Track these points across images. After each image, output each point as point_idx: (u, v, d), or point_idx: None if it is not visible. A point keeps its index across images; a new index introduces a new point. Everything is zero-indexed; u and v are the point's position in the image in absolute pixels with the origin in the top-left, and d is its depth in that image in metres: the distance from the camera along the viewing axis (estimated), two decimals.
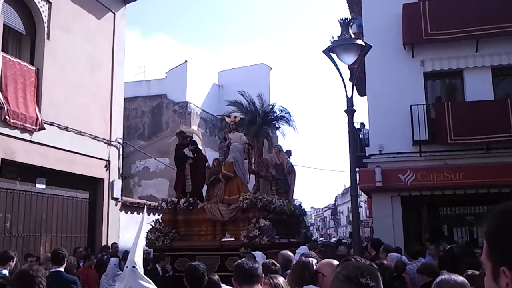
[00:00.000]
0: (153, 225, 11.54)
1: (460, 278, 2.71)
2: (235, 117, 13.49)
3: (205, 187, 12.45)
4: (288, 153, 14.93)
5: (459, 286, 2.61)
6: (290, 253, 7.11)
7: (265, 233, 10.16)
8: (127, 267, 4.66)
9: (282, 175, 14.00)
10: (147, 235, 11.28)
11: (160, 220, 11.72)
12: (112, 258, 9.40)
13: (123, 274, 4.76)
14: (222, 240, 10.70)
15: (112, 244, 13.70)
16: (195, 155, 12.23)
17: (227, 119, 13.59)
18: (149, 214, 16.11)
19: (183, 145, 12.34)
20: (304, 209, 15.81)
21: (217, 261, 10.22)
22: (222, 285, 5.04)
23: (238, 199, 11.02)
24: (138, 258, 4.79)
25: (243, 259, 3.79)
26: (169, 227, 11.25)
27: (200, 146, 12.75)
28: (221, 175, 11.68)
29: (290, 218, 13.08)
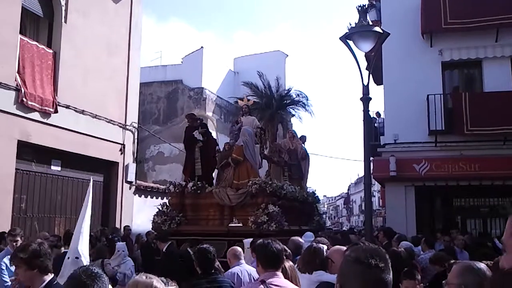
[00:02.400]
0: (160, 208, 11.35)
1: (482, 265, 2.68)
2: (248, 100, 13.19)
3: (215, 171, 12.30)
4: (303, 138, 14.77)
5: (482, 273, 2.58)
6: (301, 240, 7.18)
7: (274, 220, 9.95)
8: (68, 258, 4.18)
9: (295, 161, 13.77)
10: (153, 218, 11.22)
11: (167, 204, 11.51)
12: (119, 243, 9.18)
13: (64, 267, 4.18)
14: (230, 225, 10.51)
15: (124, 227, 13.83)
16: (205, 138, 11.97)
17: (239, 102, 13.32)
18: (152, 198, 16.14)
19: (193, 127, 12.05)
20: (317, 196, 15.56)
21: (224, 246, 9.88)
22: None
23: (247, 183, 10.76)
24: (82, 247, 4.24)
25: (266, 241, 3.73)
26: (176, 211, 11.08)
27: (213, 132, 12.63)
28: (230, 159, 11.45)
29: (302, 205, 12.84)
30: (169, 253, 8.36)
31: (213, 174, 12.28)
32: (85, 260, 3.91)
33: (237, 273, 5.53)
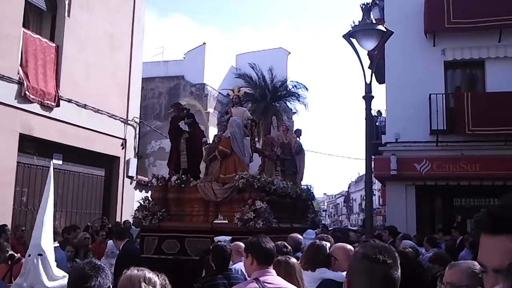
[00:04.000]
0: (142, 202, 10.54)
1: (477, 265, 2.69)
2: (239, 90, 12.36)
3: (203, 165, 11.51)
4: (298, 132, 14.21)
5: (477, 272, 2.59)
6: (300, 236, 7.15)
7: (261, 216, 9.23)
8: (29, 255, 3.70)
9: (289, 156, 13.10)
10: (134, 213, 10.56)
11: (149, 198, 10.69)
12: (110, 241, 8.78)
13: (24, 266, 3.76)
14: (214, 222, 9.81)
15: (124, 221, 13.84)
16: (192, 129, 11.21)
17: (230, 92, 12.52)
18: (136, 189, 15.99)
19: (179, 118, 11.28)
20: (312, 193, 14.76)
21: (208, 244, 8.88)
22: None
23: (234, 178, 9.98)
24: (46, 243, 3.76)
25: (260, 238, 3.74)
26: (158, 205, 10.27)
27: (214, 129, 12.33)
28: (216, 151, 10.66)
29: (295, 202, 12.11)
30: (125, 251, 7.87)
31: (200, 168, 11.49)
32: (50, 256, 3.54)
33: (241, 269, 5.54)
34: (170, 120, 11.62)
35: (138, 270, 3.03)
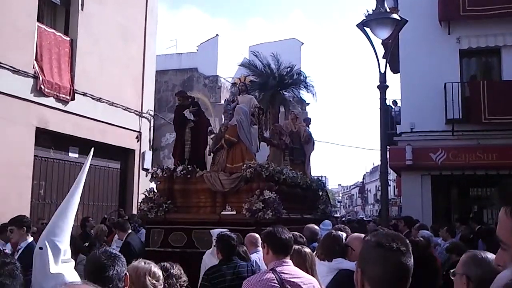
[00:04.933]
0: (147, 194, 10.26)
1: (490, 255, 2.67)
2: (245, 77, 11.93)
3: (210, 155, 11.20)
4: (307, 121, 13.93)
5: (486, 263, 2.57)
6: (317, 227, 7.13)
7: (270, 207, 8.92)
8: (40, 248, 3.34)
9: (298, 145, 12.67)
10: (140, 206, 10.39)
11: (154, 189, 10.42)
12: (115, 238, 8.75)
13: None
14: (222, 213, 9.48)
15: (131, 215, 13.91)
16: (197, 118, 10.89)
17: (236, 80, 11.99)
18: (151, 181, 15.87)
19: (184, 106, 11.00)
20: (324, 182, 14.34)
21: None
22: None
23: (241, 167, 9.64)
24: (52, 235, 3.35)
25: (276, 228, 3.75)
26: (164, 197, 9.96)
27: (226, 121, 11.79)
28: (223, 140, 10.28)
29: (305, 192, 11.80)
30: (127, 244, 7.74)
31: (206, 157, 11.15)
32: (54, 251, 3.19)
33: (256, 260, 5.58)
34: (175, 109, 11.41)
35: (145, 263, 3.11)
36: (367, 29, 7.98)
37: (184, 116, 10.81)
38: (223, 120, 11.21)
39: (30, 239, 6.33)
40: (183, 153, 10.69)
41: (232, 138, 10.07)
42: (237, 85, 11.60)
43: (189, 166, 10.03)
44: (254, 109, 10.88)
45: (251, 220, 8.80)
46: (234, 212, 9.35)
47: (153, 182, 10.82)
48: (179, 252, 9.04)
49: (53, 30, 12.49)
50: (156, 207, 9.75)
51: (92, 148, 4.19)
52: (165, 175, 10.08)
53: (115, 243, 8.47)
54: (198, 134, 10.82)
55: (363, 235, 3.90)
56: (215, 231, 6.62)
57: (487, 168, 13.86)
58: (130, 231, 8.25)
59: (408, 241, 2.01)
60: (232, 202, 9.59)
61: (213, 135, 11.01)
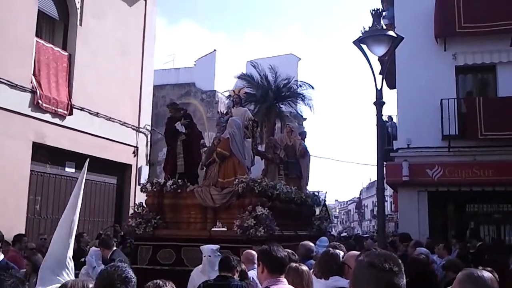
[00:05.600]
0: (135, 209, 9.89)
1: (487, 274, 2.67)
2: (239, 90, 11.64)
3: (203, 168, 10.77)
4: (302, 135, 13.70)
5: (482, 281, 2.58)
6: (312, 244, 6.95)
7: (262, 224, 8.57)
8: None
9: (293, 159, 12.33)
10: (128, 221, 9.99)
11: (143, 204, 9.98)
12: (93, 248, 8.27)
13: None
14: (212, 229, 9.12)
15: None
16: (189, 130, 10.56)
17: (230, 92, 11.72)
18: None
19: (175, 118, 10.68)
20: (319, 197, 13.97)
21: None
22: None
23: (233, 182, 9.27)
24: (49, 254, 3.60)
25: (271, 246, 3.74)
26: (153, 212, 9.57)
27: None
28: (215, 153, 9.91)
29: (299, 208, 11.42)
30: (112, 262, 7.58)
31: (198, 171, 10.75)
32: (47, 269, 3.38)
33: (253, 277, 5.56)
34: (166, 121, 11.07)
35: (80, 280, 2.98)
36: (364, 46, 8.04)
37: (175, 129, 10.51)
38: (216, 133, 10.98)
39: (1, 256, 6.18)
40: (175, 166, 10.38)
41: (224, 151, 9.75)
42: (232, 98, 11.28)
43: (179, 180, 9.70)
44: (248, 122, 10.60)
45: (243, 237, 8.53)
46: (225, 229, 9.04)
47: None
48: (167, 270, 8.68)
49: (51, 45, 12.55)
50: (145, 223, 9.40)
51: (87, 159, 4.21)
52: (155, 189, 9.73)
53: (95, 255, 8.07)
54: (190, 147, 10.52)
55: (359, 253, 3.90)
56: (206, 248, 6.54)
57: (483, 185, 13.86)
58: (114, 248, 8.03)
59: (400, 261, 2.02)
60: (223, 218, 9.28)
61: (206, 148, 10.76)
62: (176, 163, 10.38)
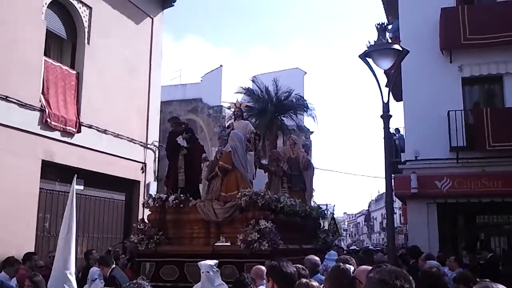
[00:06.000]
0: (137, 225, 9.80)
1: (501, 287, 2.66)
2: (240, 103, 11.50)
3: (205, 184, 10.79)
4: (306, 147, 13.63)
5: None
6: (317, 258, 6.82)
7: (266, 237, 8.41)
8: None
9: (296, 171, 12.18)
10: (130, 237, 9.87)
11: (146, 220, 9.93)
12: (93, 268, 8.32)
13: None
14: (216, 244, 8.95)
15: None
16: (190, 144, 10.47)
17: (231, 105, 11.56)
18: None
19: (177, 133, 10.57)
20: (324, 210, 13.78)
21: None
22: None
23: (236, 195, 9.14)
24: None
25: (280, 262, 3.74)
26: (155, 228, 9.46)
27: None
28: (217, 167, 9.77)
29: (304, 221, 11.25)
30: (112, 279, 7.41)
31: (200, 186, 10.79)
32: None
33: None
34: (167, 135, 10.95)
35: None
36: (369, 60, 8.07)
37: (177, 143, 10.38)
38: (218, 146, 10.83)
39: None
40: (176, 181, 10.25)
41: (226, 165, 9.61)
42: (233, 111, 11.15)
43: (181, 195, 9.59)
44: (250, 134, 10.40)
45: (246, 252, 8.39)
46: (229, 243, 8.89)
47: None
48: (170, 286, 8.72)
49: (59, 64, 12.69)
50: (147, 239, 9.28)
51: (75, 175, 4.23)
52: (157, 204, 9.63)
53: (97, 276, 7.93)
54: (192, 161, 10.38)
55: (371, 268, 3.88)
56: (203, 264, 6.45)
57: (492, 196, 13.81)
58: (113, 265, 7.94)
59: (410, 277, 2.03)
60: (226, 232, 9.13)
61: (208, 162, 10.61)
62: (178, 178, 10.28)
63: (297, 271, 3.84)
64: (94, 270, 7.96)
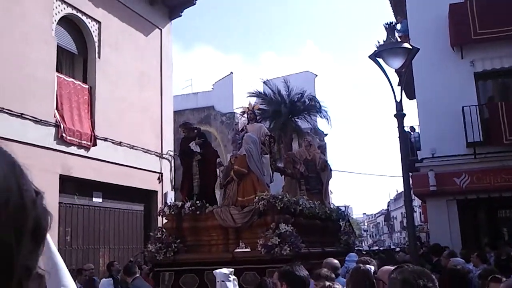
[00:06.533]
0: (154, 234, 9.64)
1: None
2: (253, 105, 11.23)
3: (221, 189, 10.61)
4: (321, 148, 13.63)
5: None
6: (336, 261, 6.65)
7: (287, 241, 8.18)
8: None
9: (313, 173, 11.89)
10: (147, 247, 9.67)
11: (162, 229, 9.73)
12: (104, 280, 8.24)
13: None
14: (235, 251, 8.70)
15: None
16: (203, 150, 10.23)
17: (244, 109, 11.29)
18: None
19: (189, 139, 10.34)
20: (343, 211, 13.58)
21: None
22: None
23: (253, 200, 8.89)
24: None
25: (294, 266, 3.74)
26: (172, 236, 9.24)
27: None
28: (232, 172, 9.55)
29: (325, 223, 11.02)
30: None
31: (215, 192, 10.55)
32: None
33: None
34: (180, 142, 10.78)
35: None
36: (380, 60, 8.04)
37: (190, 149, 10.16)
38: (232, 150, 10.64)
39: None
40: (191, 188, 10.01)
41: (242, 168, 9.36)
42: (246, 114, 10.93)
43: (197, 202, 9.35)
44: (265, 137, 10.23)
45: (267, 257, 8.16)
46: (249, 249, 8.66)
47: None
48: None
49: (72, 79, 12.83)
50: (165, 248, 9.09)
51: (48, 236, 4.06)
52: (173, 212, 9.42)
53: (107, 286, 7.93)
54: (206, 167, 10.16)
55: (393, 268, 3.86)
56: (218, 273, 6.24)
57: None
58: (137, 275, 8.00)
59: (434, 277, 2.02)
60: (245, 238, 8.89)
61: (222, 167, 10.45)
62: (193, 185, 10.07)
63: (319, 275, 3.83)
64: (105, 284, 7.82)
